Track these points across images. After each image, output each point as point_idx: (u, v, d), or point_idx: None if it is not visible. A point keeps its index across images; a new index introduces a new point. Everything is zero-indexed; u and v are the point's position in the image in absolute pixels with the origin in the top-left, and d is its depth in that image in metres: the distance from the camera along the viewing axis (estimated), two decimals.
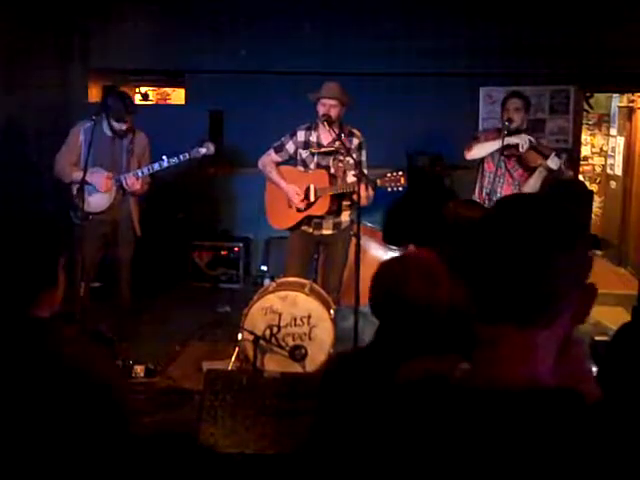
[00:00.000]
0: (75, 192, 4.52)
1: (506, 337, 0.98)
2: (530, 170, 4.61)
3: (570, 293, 0.97)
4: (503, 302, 0.98)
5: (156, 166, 4.52)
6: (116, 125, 4.49)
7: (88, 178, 4.36)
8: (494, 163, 4.57)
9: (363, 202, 4.23)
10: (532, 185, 4.58)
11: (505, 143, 4.49)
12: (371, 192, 4.24)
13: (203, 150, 4.55)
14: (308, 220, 4.60)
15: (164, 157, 4.50)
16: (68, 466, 1.52)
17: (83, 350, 1.66)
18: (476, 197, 4.73)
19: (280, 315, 4.13)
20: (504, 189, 4.67)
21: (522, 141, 4.52)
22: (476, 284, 1.01)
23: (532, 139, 4.56)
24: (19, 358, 1.54)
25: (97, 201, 4.44)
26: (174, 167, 4.58)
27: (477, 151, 4.65)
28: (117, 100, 4.49)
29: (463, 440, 0.92)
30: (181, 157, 4.51)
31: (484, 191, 4.66)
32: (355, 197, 4.23)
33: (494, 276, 0.98)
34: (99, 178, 4.44)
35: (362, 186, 4.14)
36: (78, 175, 4.46)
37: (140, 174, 4.51)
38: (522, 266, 0.96)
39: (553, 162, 4.47)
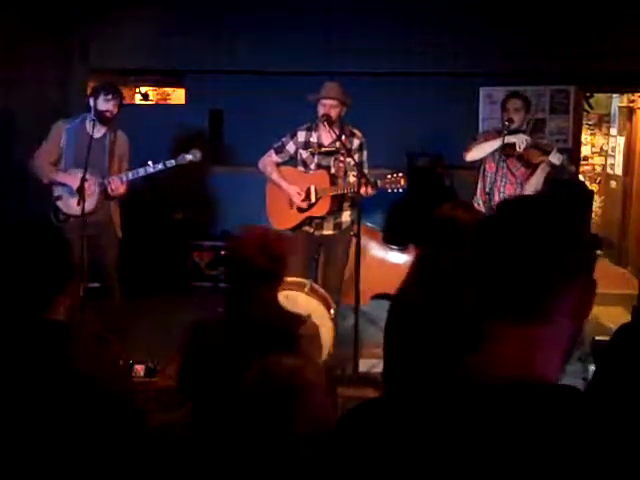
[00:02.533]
0: (57, 193, 4.48)
1: (504, 333, 0.98)
2: (532, 168, 4.60)
3: (567, 287, 0.98)
4: (500, 296, 0.99)
5: (141, 171, 4.50)
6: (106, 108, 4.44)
7: (65, 179, 4.37)
8: (495, 163, 4.57)
9: (362, 194, 4.24)
10: (535, 183, 4.57)
11: (504, 142, 4.49)
12: (370, 191, 4.24)
13: (189, 157, 4.54)
14: (309, 220, 4.60)
15: (150, 163, 4.49)
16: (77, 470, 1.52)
17: (96, 357, 1.66)
18: (478, 197, 4.73)
19: None
20: (507, 188, 4.67)
21: (519, 140, 4.51)
22: (478, 281, 1.02)
23: (529, 139, 4.55)
24: (35, 362, 1.54)
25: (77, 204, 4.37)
26: (160, 172, 4.56)
27: (476, 152, 4.64)
28: (100, 89, 4.46)
29: (466, 435, 0.92)
30: (167, 163, 4.50)
31: (485, 191, 4.66)
32: (356, 197, 4.23)
33: (493, 271, 1.00)
34: (75, 180, 4.38)
35: (362, 187, 4.15)
36: (60, 176, 4.44)
37: (124, 178, 4.49)
38: (517, 259, 0.98)
39: (555, 157, 4.46)
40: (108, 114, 4.44)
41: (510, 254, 0.98)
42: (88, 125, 4.44)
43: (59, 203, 4.49)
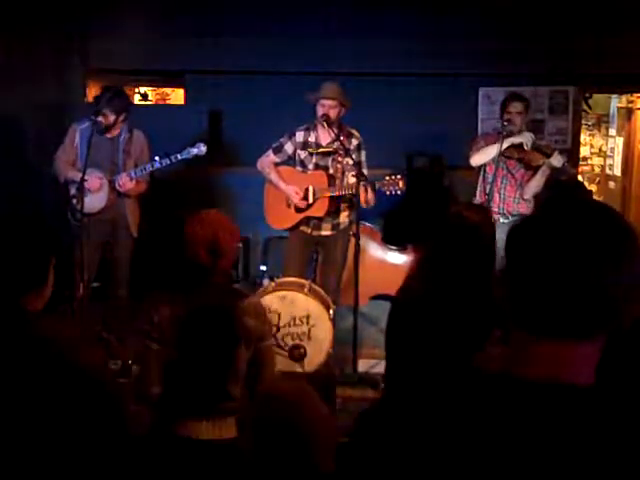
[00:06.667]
0: (72, 192, 4.53)
1: (534, 346, 0.95)
2: (532, 170, 4.61)
3: (618, 303, 0.92)
4: (539, 310, 0.93)
5: (148, 167, 4.53)
6: (99, 119, 4.45)
7: (79, 178, 4.39)
8: (494, 164, 4.57)
9: (363, 205, 4.24)
10: (535, 185, 4.57)
11: (509, 143, 4.49)
12: (371, 194, 4.24)
13: (194, 150, 4.55)
14: (307, 220, 4.60)
15: (156, 158, 4.52)
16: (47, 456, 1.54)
17: (64, 339, 1.68)
18: (478, 199, 4.72)
19: (279, 315, 4.13)
20: (507, 190, 4.67)
21: (526, 139, 4.51)
22: (513, 289, 0.95)
23: (534, 137, 4.56)
24: (4, 347, 1.58)
25: (92, 202, 4.44)
26: (167, 167, 4.59)
27: (481, 156, 4.62)
28: (101, 98, 4.49)
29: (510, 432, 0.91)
30: (172, 158, 4.51)
31: (485, 192, 4.65)
32: (354, 198, 4.24)
33: (534, 282, 0.93)
34: (90, 179, 4.43)
35: (362, 188, 4.15)
36: (73, 174, 4.48)
37: (133, 174, 4.51)
38: (580, 277, 0.90)
39: (556, 160, 4.47)
40: (100, 126, 4.45)
41: (560, 264, 0.91)
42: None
43: (74, 201, 4.52)
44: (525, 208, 4.60)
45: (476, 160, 4.64)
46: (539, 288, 0.93)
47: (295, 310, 4.15)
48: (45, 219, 1.78)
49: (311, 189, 4.51)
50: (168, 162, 4.51)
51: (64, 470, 1.55)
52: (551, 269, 0.92)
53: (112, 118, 4.49)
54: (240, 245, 6.42)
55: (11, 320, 1.61)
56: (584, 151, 8.56)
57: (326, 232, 4.62)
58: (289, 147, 4.60)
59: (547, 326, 0.93)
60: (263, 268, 6.42)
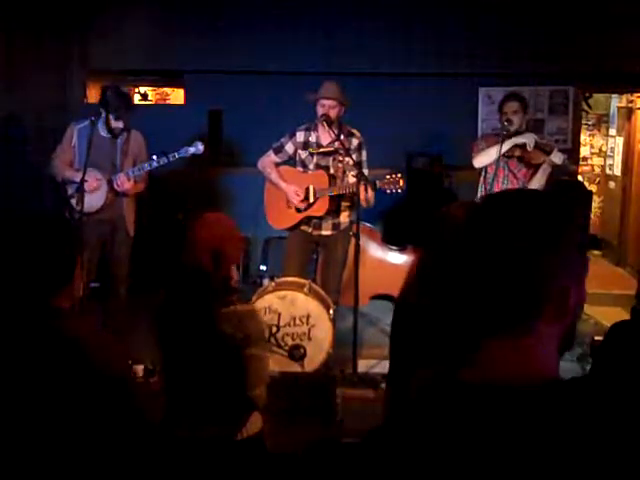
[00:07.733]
0: (70, 192, 4.53)
1: (492, 346, 0.96)
2: (533, 169, 4.60)
3: (544, 298, 0.93)
4: (481, 313, 0.95)
5: (146, 166, 4.53)
6: (113, 122, 4.48)
7: (76, 178, 4.39)
8: (494, 165, 4.56)
9: (363, 204, 4.23)
10: (537, 184, 4.56)
11: (512, 144, 4.49)
12: (371, 193, 4.23)
13: (192, 149, 4.56)
14: (307, 220, 4.60)
15: (154, 157, 4.53)
16: (75, 455, 1.57)
17: (98, 339, 1.75)
18: (479, 199, 4.72)
19: (279, 315, 4.13)
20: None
21: (528, 140, 4.51)
22: (460, 294, 0.96)
23: (536, 137, 4.57)
24: (38, 344, 1.64)
25: (90, 201, 4.45)
26: (165, 166, 4.59)
27: (483, 158, 4.61)
28: (116, 96, 4.49)
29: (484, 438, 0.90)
30: (170, 157, 4.52)
31: (487, 193, 4.65)
32: (355, 198, 4.23)
33: (471, 288, 0.94)
34: (88, 179, 4.43)
35: (362, 187, 4.15)
36: (71, 174, 4.48)
37: (131, 174, 4.52)
38: (503, 272, 0.92)
39: (557, 157, 4.47)
40: (117, 130, 4.52)
41: (484, 266, 0.93)
42: (99, 125, 4.50)
43: (72, 201, 4.53)
44: None
45: (479, 162, 4.64)
46: (458, 289, 0.96)
47: (295, 310, 4.15)
48: (67, 219, 1.87)
49: (312, 189, 4.51)
50: (166, 161, 4.51)
51: (81, 462, 1.59)
52: (464, 267, 0.95)
53: (126, 120, 4.52)
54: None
55: (43, 319, 1.67)
56: (584, 151, 8.56)
57: (326, 232, 4.62)
58: (290, 147, 4.60)
59: (475, 327, 0.95)
60: (263, 268, 6.43)
